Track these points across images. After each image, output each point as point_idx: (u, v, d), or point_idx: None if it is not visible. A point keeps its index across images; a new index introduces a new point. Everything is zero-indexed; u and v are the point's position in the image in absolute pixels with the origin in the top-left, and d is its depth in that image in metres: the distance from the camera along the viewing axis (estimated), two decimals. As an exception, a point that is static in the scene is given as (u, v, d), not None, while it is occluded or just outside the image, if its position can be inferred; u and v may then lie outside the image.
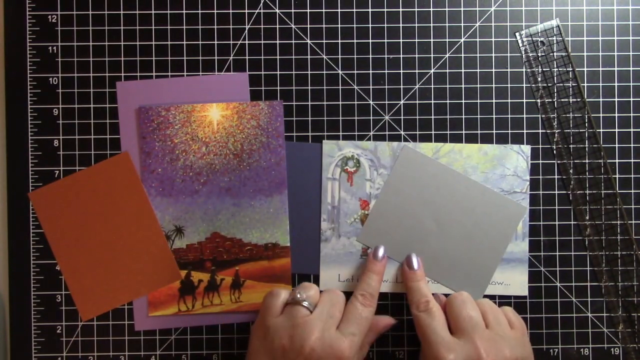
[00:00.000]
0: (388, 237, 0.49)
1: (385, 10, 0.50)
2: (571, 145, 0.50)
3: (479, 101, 0.50)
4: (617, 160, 0.50)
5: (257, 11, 0.50)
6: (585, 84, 0.50)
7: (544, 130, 0.50)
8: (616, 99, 0.50)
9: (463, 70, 0.50)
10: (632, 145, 0.50)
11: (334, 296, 0.44)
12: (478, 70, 0.50)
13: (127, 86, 0.50)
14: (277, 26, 0.50)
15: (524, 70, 0.50)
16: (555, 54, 0.50)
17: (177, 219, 0.49)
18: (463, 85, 0.50)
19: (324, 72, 0.50)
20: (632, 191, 0.50)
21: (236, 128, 0.49)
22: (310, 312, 0.43)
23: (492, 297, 0.49)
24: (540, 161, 0.50)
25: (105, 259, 0.49)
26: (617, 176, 0.50)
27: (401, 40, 0.50)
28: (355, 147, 0.49)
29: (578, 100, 0.50)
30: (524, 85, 0.50)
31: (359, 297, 0.44)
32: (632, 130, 0.50)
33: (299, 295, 0.43)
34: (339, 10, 0.50)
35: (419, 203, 0.49)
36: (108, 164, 0.49)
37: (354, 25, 0.50)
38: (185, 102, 0.49)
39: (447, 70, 0.50)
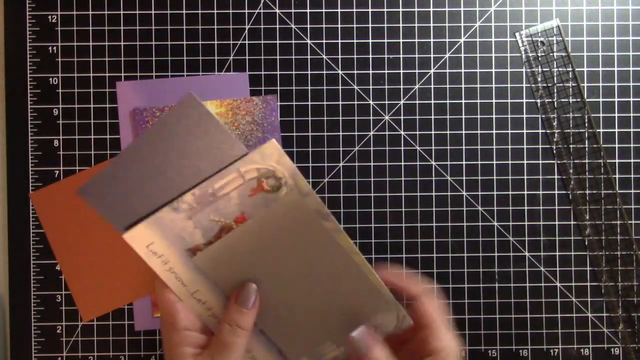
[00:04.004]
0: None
1: (385, 10, 0.50)
2: (571, 145, 0.50)
3: (479, 101, 0.50)
4: (617, 160, 0.50)
5: (257, 11, 0.50)
6: (585, 84, 0.50)
7: (544, 130, 0.50)
8: (616, 99, 0.50)
9: (463, 70, 0.50)
10: (632, 145, 0.50)
11: None
12: (478, 70, 0.50)
13: (127, 86, 0.50)
14: (277, 26, 0.50)
15: (524, 70, 0.50)
16: (555, 54, 0.50)
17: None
18: (463, 85, 0.50)
19: (324, 72, 0.50)
20: (632, 191, 0.50)
21: (231, 124, 0.49)
22: None
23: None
24: (540, 161, 0.50)
25: (106, 259, 0.49)
26: (617, 176, 0.50)
27: (401, 40, 0.50)
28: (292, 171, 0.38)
29: (578, 100, 0.50)
30: (524, 85, 0.50)
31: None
32: (632, 130, 0.50)
33: None
34: (339, 10, 0.50)
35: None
36: None
37: (354, 25, 0.50)
38: (185, 102, 0.49)
39: (447, 70, 0.50)
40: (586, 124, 0.50)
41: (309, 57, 0.50)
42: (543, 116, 0.50)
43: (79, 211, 0.49)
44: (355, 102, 0.50)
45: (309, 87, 0.50)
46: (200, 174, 0.37)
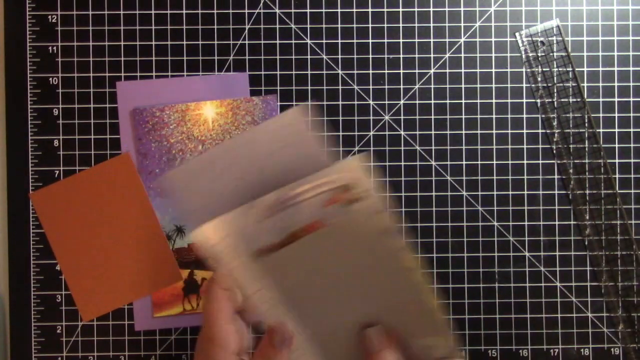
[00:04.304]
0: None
1: (385, 10, 0.50)
2: (571, 145, 0.50)
3: (479, 101, 0.50)
4: (617, 160, 0.50)
5: (257, 11, 0.50)
6: (585, 84, 0.50)
7: (544, 130, 0.50)
8: (616, 99, 0.50)
9: (463, 70, 0.50)
10: (632, 145, 0.50)
11: None
12: (478, 70, 0.50)
13: (127, 86, 0.50)
14: (277, 26, 0.50)
15: (524, 70, 0.50)
16: (555, 54, 0.50)
17: (178, 218, 0.49)
18: (463, 85, 0.50)
19: (324, 72, 0.50)
20: (632, 191, 0.50)
21: (231, 125, 0.49)
22: None
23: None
24: (540, 161, 0.50)
25: (106, 259, 0.49)
26: (617, 176, 0.50)
27: (401, 40, 0.50)
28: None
29: (578, 100, 0.50)
30: (524, 85, 0.50)
31: None
32: (632, 130, 0.50)
33: None
34: (339, 10, 0.50)
35: None
36: (109, 165, 0.49)
37: (354, 25, 0.50)
38: (185, 102, 0.49)
39: (447, 70, 0.50)
40: (586, 124, 0.50)
41: (309, 57, 0.50)
42: (543, 116, 0.50)
43: (79, 211, 0.49)
44: (355, 102, 0.50)
45: (309, 87, 0.50)
46: (283, 180, 0.37)
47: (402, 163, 0.50)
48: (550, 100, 0.50)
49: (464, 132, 0.50)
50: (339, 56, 0.50)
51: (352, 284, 0.38)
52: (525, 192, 0.50)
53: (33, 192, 0.49)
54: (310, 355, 0.39)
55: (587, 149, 0.50)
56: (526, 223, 0.50)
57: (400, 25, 0.50)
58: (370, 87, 0.50)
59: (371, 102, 0.50)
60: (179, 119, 0.49)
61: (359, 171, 0.36)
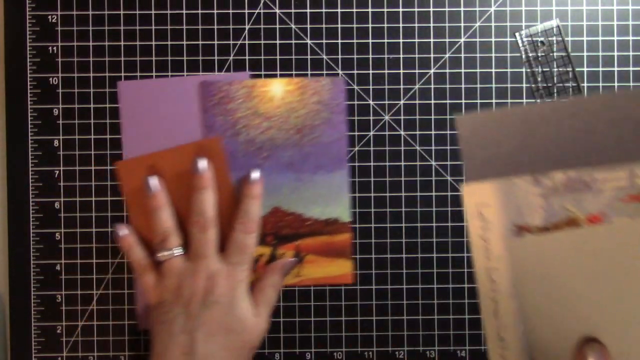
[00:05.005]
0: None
1: (385, 10, 0.50)
2: (571, 145, 0.50)
3: (479, 101, 0.50)
4: (617, 160, 0.50)
5: (257, 11, 0.50)
6: (585, 84, 0.50)
7: (544, 130, 0.50)
8: (616, 99, 0.50)
9: (463, 70, 0.50)
10: (632, 145, 0.50)
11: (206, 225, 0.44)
12: (478, 70, 0.50)
13: (128, 86, 0.50)
14: (277, 26, 0.50)
15: (524, 70, 0.50)
16: (555, 54, 0.50)
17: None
18: (463, 85, 0.50)
19: (324, 72, 0.50)
20: (632, 191, 0.50)
21: (298, 103, 0.49)
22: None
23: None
24: (540, 161, 0.50)
25: (182, 237, 0.47)
26: (617, 176, 0.50)
27: (401, 40, 0.50)
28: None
29: (578, 100, 0.50)
30: (524, 85, 0.50)
31: (239, 225, 0.45)
32: (632, 130, 0.50)
33: (167, 252, 0.44)
34: (339, 10, 0.50)
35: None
36: (198, 145, 0.48)
37: (354, 25, 0.50)
38: (185, 102, 0.49)
39: (447, 70, 0.50)
40: (586, 124, 0.50)
41: (309, 57, 0.50)
42: (543, 116, 0.50)
43: (161, 186, 0.47)
44: (355, 102, 0.50)
45: (309, 87, 0.50)
46: (590, 159, 0.32)
47: (402, 163, 0.50)
48: (550, 100, 0.50)
49: (464, 132, 0.50)
50: (339, 56, 0.50)
51: (597, 293, 0.33)
52: (525, 192, 0.50)
53: (120, 160, 0.49)
54: (515, 352, 0.35)
55: (587, 149, 0.50)
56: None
57: (400, 25, 0.50)
58: (370, 87, 0.50)
59: (371, 102, 0.50)
60: (246, 94, 0.49)
61: None
